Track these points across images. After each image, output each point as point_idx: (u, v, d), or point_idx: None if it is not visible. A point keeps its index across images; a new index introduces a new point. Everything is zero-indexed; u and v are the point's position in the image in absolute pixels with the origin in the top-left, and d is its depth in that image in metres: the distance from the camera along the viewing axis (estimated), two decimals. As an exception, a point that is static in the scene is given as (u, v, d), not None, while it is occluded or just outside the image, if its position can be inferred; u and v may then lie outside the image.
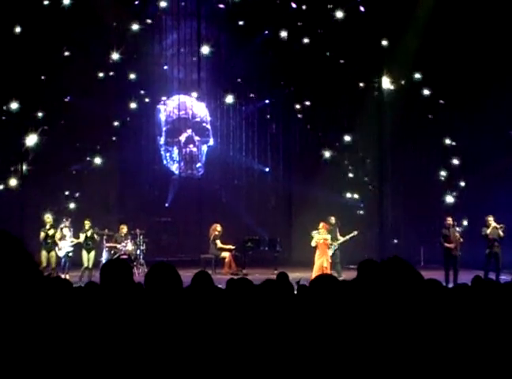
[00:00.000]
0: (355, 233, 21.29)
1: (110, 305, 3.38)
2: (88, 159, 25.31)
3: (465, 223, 21.08)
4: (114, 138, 26.18)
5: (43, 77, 24.66)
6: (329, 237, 20.10)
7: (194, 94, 26.92)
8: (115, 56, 25.03)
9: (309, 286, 4.57)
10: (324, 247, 19.88)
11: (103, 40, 24.91)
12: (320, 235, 19.89)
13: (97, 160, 25.25)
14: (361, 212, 26.21)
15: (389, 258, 4.31)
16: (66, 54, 24.86)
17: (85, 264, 20.13)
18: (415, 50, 24.41)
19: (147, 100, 26.60)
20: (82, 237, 20.32)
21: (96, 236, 20.69)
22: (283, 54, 26.27)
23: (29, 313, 2.61)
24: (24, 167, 24.29)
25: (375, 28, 25.02)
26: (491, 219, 19.29)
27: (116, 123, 26.18)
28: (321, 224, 20.11)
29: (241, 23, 26.09)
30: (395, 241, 25.83)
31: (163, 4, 25.90)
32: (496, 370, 4.07)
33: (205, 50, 25.78)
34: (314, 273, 18.22)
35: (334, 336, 3.79)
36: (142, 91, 26.26)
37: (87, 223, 20.55)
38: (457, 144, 25.30)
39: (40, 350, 2.70)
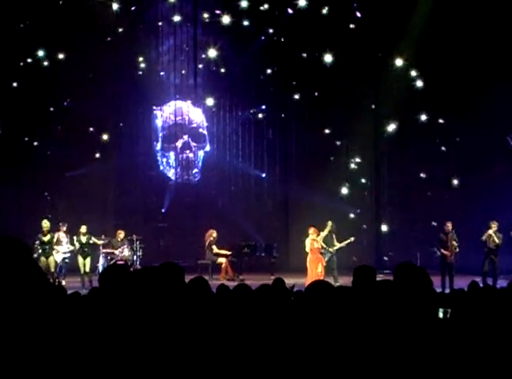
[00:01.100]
0: (352, 239, 21.33)
1: (108, 311, 3.38)
2: (84, 164, 25.31)
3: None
4: (110, 144, 26.19)
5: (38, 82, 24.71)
6: (318, 238, 20.05)
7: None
8: (112, 62, 25.13)
9: (304, 292, 4.57)
10: (317, 252, 19.87)
11: (100, 45, 24.95)
12: (310, 241, 19.88)
13: (94, 166, 25.26)
14: (356, 216, 26.12)
15: (402, 263, 4.31)
16: (63, 58, 24.89)
17: (82, 271, 20.11)
18: (412, 54, 24.48)
19: (143, 106, 26.65)
20: (77, 244, 20.31)
21: (92, 241, 20.70)
22: (280, 60, 26.30)
23: (32, 320, 2.62)
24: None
25: (372, 32, 25.07)
26: (493, 225, 19.28)
27: (112, 129, 26.24)
28: (312, 229, 20.07)
29: (238, 29, 26.06)
30: (391, 246, 25.83)
31: (160, 10, 26.10)
32: (492, 375, 4.08)
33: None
34: (309, 279, 18.12)
35: (330, 342, 3.79)
36: (139, 97, 26.27)
37: (83, 229, 20.54)
38: (455, 148, 25.32)
39: (39, 356, 2.70)
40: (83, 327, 2.83)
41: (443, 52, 23.56)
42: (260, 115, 27.22)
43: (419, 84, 24.64)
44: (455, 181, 24.91)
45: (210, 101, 26.16)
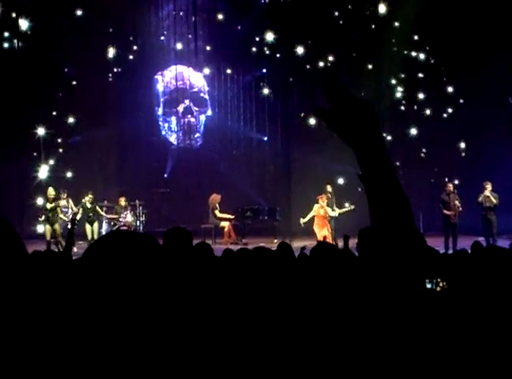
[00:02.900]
0: (352, 208, 21.01)
1: (111, 277, 3.38)
2: (86, 130, 25.30)
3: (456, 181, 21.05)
4: (111, 110, 26.13)
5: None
6: (328, 209, 20.23)
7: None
8: (112, 27, 25.06)
9: (309, 254, 4.58)
10: (321, 218, 20.00)
11: (99, 12, 24.80)
12: (318, 207, 20.04)
13: (95, 132, 25.21)
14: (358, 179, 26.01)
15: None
16: (62, 25, 24.76)
17: (89, 237, 20.11)
18: (414, 18, 24.36)
19: (144, 71, 26.56)
20: (81, 209, 20.32)
21: (97, 208, 20.75)
22: (280, 23, 26.16)
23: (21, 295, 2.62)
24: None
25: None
26: (488, 185, 19.30)
27: (113, 94, 26.18)
28: (324, 197, 20.22)
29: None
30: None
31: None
32: (497, 337, 4.10)
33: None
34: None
35: (334, 306, 3.80)
36: (139, 62, 26.20)
37: (90, 196, 20.51)
38: (458, 110, 25.28)
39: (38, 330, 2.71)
40: (86, 291, 2.83)
41: (444, 16, 23.42)
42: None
43: (422, 47, 24.64)
44: (462, 145, 24.98)
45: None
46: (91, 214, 20.43)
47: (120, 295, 2.39)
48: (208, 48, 26.70)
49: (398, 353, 3.43)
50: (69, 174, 24.33)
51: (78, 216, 20.18)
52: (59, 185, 21.45)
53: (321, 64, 26.02)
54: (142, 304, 2.49)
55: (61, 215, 19.98)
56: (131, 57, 25.96)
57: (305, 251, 9.28)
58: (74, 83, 25.03)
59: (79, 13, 24.56)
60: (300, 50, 26.11)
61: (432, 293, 3.92)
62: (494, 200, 19.13)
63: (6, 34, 24.34)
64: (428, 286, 4.08)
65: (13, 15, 23.59)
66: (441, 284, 4.32)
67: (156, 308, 2.62)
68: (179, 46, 26.92)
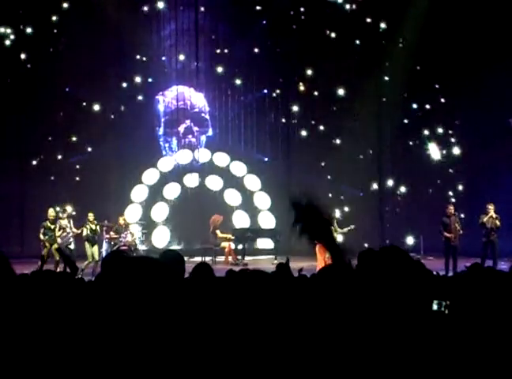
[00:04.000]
0: (352, 227, 20.86)
1: (111, 298, 3.38)
2: (86, 150, 25.36)
3: (462, 215, 21.10)
4: (112, 129, 26.18)
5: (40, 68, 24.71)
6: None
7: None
8: (113, 47, 25.16)
9: (314, 276, 4.58)
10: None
11: (101, 32, 24.92)
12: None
13: (96, 152, 25.24)
14: (359, 199, 26.02)
15: (384, 247, 4.31)
16: (64, 44, 24.90)
17: (90, 258, 19.88)
18: (413, 38, 24.45)
19: (145, 91, 26.64)
20: (85, 230, 20.15)
21: (98, 228, 20.62)
22: (281, 44, 26.25)
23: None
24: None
25: (375, 13, 25.13)
26: (491, 207, 19.27)
27: (115, 114, 26.25)
28: None
29: (239, 12, 26.03)
30: (394, 230, 25.81)
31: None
32: (495, 358, 4.09)
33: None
34: (320, 265, 18.14)
35: (334, 328, 3.80)
36: (140, 82, 26.29)
37: (90, 216, 20.35)
38: (458, 131, 25.28)
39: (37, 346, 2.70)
40: (85, 313, 2.82)
41: (445, 34, 23.47)
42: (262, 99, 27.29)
43: (421, 69, 24.71)
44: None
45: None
46: (93, 235, 20.25)
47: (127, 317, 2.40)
48: (209, 68, 26.73)
49: (400, 374, 3.42)
50: (68, 194, 24.36)
51: (85, 232, 20.07)
52: (59, 204, 21.44)
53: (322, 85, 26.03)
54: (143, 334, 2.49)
55: (58, 234, 19.82)
56: (132, 77, 26.01)
57: (303, 272, 9.26)
58: (75, 102, 25.07)
59: (80, 31, 24.61)
60: (300, 72, 26.29)
61: (432, 315, 3.92)
62: (497, 222, 19.14)
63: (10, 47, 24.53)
64: (431, 308, 4.07)
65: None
66: (444, 307, 4.32)
67: (157, 333, 2.63)
68: (180, 66, 27.00)
